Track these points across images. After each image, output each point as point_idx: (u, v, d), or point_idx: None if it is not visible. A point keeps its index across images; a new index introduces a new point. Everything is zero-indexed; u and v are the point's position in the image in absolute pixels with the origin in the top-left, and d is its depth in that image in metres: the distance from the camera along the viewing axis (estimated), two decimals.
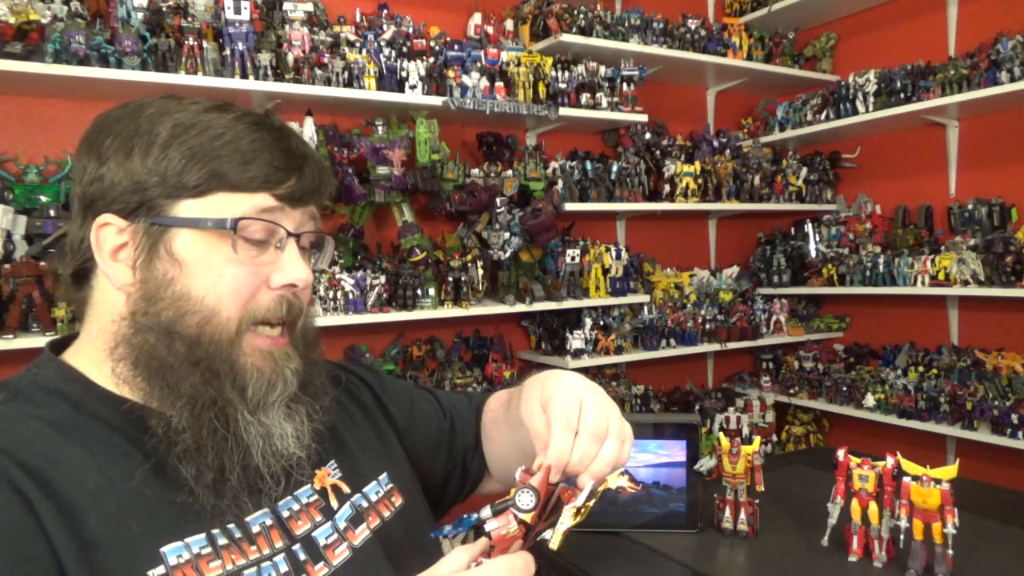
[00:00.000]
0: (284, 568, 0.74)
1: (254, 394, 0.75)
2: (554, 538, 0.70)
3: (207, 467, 0.71)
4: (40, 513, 0.63)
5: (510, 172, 2.69)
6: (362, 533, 0.83)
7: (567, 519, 0.71)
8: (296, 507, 0.80)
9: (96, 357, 0.76)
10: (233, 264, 0.74)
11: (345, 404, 0.96)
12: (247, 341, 0.75)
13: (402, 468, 0.97)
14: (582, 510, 0.72)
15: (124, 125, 0.75)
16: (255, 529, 0.75)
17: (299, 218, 0.79)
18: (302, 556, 0.76)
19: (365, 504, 0.87)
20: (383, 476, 0.92)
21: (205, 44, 2.11)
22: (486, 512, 0.70)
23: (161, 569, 0.67)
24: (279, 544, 0.75)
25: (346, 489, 0.85)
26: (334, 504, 0.83)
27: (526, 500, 0.69)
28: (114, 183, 0.73)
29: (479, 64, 2.56)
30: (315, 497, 0.82)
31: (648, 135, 3.10)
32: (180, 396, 0.72)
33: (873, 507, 1.20)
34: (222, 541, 0.71)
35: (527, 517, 0.69)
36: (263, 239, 0.76)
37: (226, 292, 0.73)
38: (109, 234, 0.74)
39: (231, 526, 0.73)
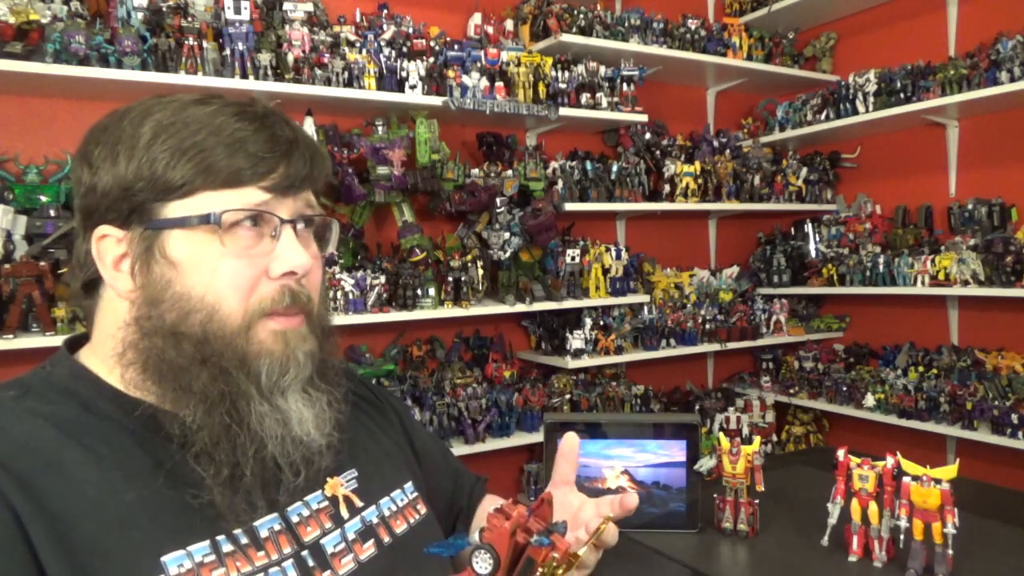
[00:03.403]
0: (293, 574, 0.73)
1: (268, 377, 0.74)
2: None
3: (223, 463, 0.70)
4: (28, 526, 0.63)
5: (510, 172, 2.69)
6: (369, 549, 0.81)
7: None
8: (306, 512, 0.79)
9: (106, 361, 0.75)
10: (227, 258, 0.73)
11: (373, 416, 0.97)
12: (258, 329, 0.74)
13: (423, 486, 0.96)
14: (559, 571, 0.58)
15: (110, 132, 0.74)
16: (263, 534, 0.74)
17: (293, 205, 0.77)
18: (311, 562, 0.75)
19: (387, 513, 0.86)
20: (408, 484, 0.92)
21: (205, 44, 2.11)
22: (475, 538, 0.60)
23: None
24: (287, 550, 0.74)
25: (358, 503, 0.84)
26: (344, 514, 0.82)
27: (483, 564, 0.57)
28: (105, 192, 0.73)
29: (479, 64, 2.56)
30: (325, 504, 0.81)
31: (648, 135, 3.09)
32: (193, 395, 0.71)
33: (873, 507, 1.20)
34: (227, 548, 0.70)
35: None
36: (256, 229, 0.75)
37: (225, 287, 0.72)
38: (109, 245, 0.74)
39: (237, 532, 0.71)
